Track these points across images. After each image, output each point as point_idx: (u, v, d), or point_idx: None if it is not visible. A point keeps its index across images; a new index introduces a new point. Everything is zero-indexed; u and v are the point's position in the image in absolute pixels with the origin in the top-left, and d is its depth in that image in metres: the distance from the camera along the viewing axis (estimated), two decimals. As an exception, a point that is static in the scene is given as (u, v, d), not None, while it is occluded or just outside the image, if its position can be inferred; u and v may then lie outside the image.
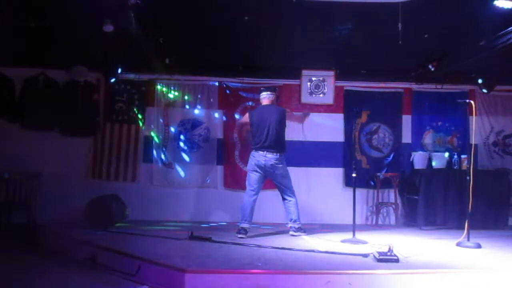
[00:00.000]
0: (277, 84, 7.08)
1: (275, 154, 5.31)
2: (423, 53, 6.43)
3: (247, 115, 5.61)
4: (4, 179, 6.04)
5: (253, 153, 5.39)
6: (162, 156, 7.06)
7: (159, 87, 7.17)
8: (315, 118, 7.15)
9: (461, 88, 7.28)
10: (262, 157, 5.30)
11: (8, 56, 6.52)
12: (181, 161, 7.10)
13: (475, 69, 6.75)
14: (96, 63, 6.82)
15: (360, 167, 7.05)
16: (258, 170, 5.34)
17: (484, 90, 7.10)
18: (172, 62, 6.53)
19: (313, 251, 4.37)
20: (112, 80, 6.94)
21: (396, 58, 6.40)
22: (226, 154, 7.14)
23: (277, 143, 5.35)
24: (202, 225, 6.33)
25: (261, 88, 5.77)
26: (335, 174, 7.17)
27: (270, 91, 5.64)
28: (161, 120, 7.14)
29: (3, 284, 3.68)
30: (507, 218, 6.59)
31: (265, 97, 5.61)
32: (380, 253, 3.87)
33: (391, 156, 7.21)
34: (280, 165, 5.36)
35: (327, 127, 7.20)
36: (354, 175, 5.18)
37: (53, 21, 5.55)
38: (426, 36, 5.74)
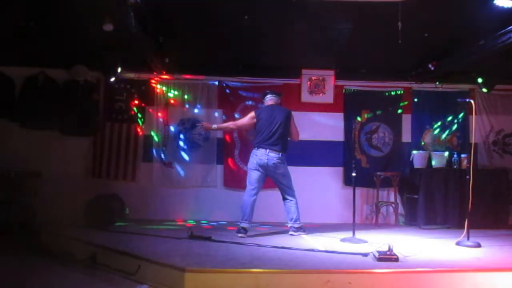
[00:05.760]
0: (277, 84, 7.10)
1: (277, 153, 5.30)
2: (423, 53, 6.42)
3: (252, 113, 5.55)
4: (4, 178, 6.04)
5: (255, 151, 5.37)
6: (162, 156, 7.06)
7: (158, 86, 7.17)
8: (315, 117, 7.17)
9: (461, 87, 7.28)
10: (264, 155, 5.29)
11: (8, 56, 6.52)
12: (181, 160, 7.10)
13: (475, 68, 6.75)
14: (96, 62, 6.83)
15: (360, 167, 7.05)
16: (260, 168, 5.32)
17: (484, 89, 7.10)
18: (172, 61, 6.53)
19: (313, 250, 4.36)
20: (112, 79, 6.93)
21: (396, 57, 6.41)
22: (226, 153, 7.15)
23: (281, 142, 5.35)
24: (202, 225, 6.33)
25: (267, 91, 5.76)
26: (335, 173, 7.17)
27: (276, 94, 5.64)
28: (160, 120, 7.14)
29: (3, 284, 3.68)
30: (507, 217, 6.60)
31: (271, 99, 5.60)
32: (380, 252, 3.87)
33: (391, 155, 7.21)
34: (282, 164, 5.36)
35: (327, 126, 7.21)
36: (354, 174, 5.17)
37: (52, 20, 5.54)
38: (426, 35, 5.73)
